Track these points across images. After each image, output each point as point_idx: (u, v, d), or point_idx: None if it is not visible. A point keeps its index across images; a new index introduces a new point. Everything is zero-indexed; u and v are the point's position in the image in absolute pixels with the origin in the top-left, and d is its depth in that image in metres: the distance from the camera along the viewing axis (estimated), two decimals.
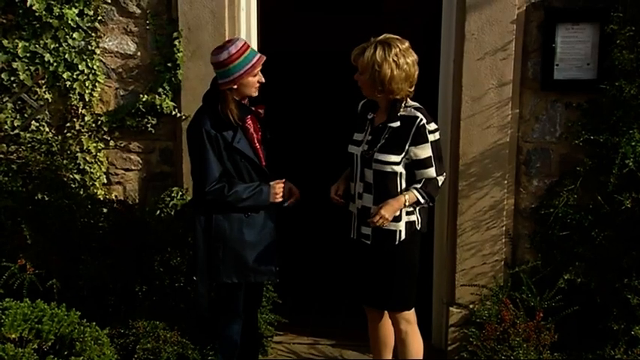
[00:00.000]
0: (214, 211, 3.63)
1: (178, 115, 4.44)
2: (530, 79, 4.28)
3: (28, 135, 4.53)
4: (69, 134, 4.53)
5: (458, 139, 4.32)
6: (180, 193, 4.46)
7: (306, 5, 7.37)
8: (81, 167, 4.54)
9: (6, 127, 4.51)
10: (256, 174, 3.66)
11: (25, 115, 4.53)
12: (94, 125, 4.54)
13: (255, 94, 3.64)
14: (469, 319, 4.38)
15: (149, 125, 4.52)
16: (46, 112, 4.53)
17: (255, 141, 3.66)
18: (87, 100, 4.49)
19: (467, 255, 4.43)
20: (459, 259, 4.45)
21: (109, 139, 4.58)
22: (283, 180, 3.73)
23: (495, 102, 4.24)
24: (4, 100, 4.48)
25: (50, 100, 4.51)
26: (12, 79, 4.44)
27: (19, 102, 4.51)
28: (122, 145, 4.60)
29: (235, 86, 3.56)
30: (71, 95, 4.48)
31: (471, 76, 4.24)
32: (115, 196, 4.60)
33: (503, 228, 4.39)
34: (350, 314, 5.19)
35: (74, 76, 4.45)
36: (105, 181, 4.62)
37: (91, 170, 4.56)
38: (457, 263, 4.45)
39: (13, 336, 3.62)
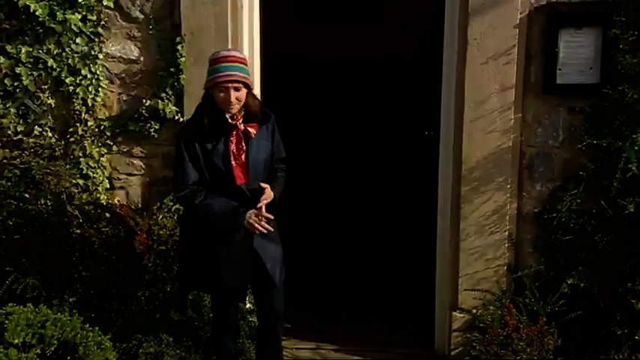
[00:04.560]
0: (193, 220, 3.63)
1: (181, 119, 4.44)
2: (532, 84, 4.28)
3: (31, 140, 4.53)
4: (72, 139, 4.53)
5: (461, 143, 4.33)
6: None
7: (307, 13, 7.35)
8: (84, 172, 4.54)
9: (9, 132, 4.51)
10: (232, 191, 3.49)
11: (29, 121, 4.52)
12: (97, 130, 4.54)
13: (228, 110, 3.44)
14: (472, 323, 4.38)
15: (152, 130, 4.52)
16: (49, 117, 4.53)
17: (232, 158, 3.48)
18: (90, 105, 4.49)
19: (470, 260, 4.42)
20: (461, 264, 4.44)
21: (111, 144, 4.58)
22: (260, 209, 3.47)
23: (498, 106, 4.24)
24: (7, 106, 4.48)
25: (53, 106, 4.51)
26: (15, 84, 4.44)
27: (23, 107, 4.50)
28: (125, 150, 4.60)
29: (211, 92, 3.48)
30: (74, 100, 4.48)
31: (474, 81, 4.24)
32: (118, 201, 4.60)
33: (506, 232, 4.38)
34: (351, 319, 5.22)
35: (77, 81, 4.45)
36: (108, 185, 4.62)
37: (94, 175, 4.56)
38: (460, 268, 4.44)
39: (16, 341, 3.61)
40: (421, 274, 5.09)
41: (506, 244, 4.39)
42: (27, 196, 4.45)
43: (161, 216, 4.44)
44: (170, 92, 4.45)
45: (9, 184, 4.46)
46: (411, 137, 6.76)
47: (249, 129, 3.51)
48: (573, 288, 4.18)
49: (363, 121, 7.41)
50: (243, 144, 3.51)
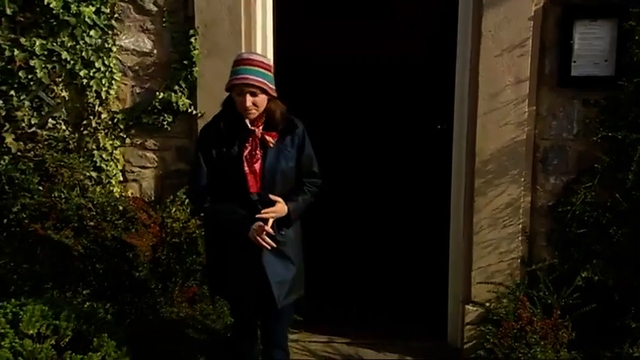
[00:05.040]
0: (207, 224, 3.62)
1: (194, 112, 4.45)
2: (547, 76, 4.26)
3: (45, 132, 4.54)
4: (85, 132, 4.54)
5: (474, 136, 4.31)
6: None
7: (316, 11, 7.35)
8: (97, 165, 4.54)
9: (23, 124, 4.52)
10: (243, 199, 3.34)
11: (42, 113, 4.53)
12: (110, 123, 4.55)
13: (246, 115, 3.30)
14: (485, 317, 4.37)
15: (165, 123, 4.52)
16: (63, 109, 4.53)
17: (245, 165, 3.33)
18: (103, 97, 4.50)
19: (483, 253, 4.41)
20: (475, 257, 4.43)
21: (125, 136, 4.59)
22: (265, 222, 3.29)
23: (512, 99, 4.22)
24: (22, 98, 4.48)
25: (67, 98, 4.52)
26: (29, 76, 4.44)
27: (37, 100, 4.51)
28: (138, 142, 4.61)
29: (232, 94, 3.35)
30: (88, 93, 4.48)
31: (488, 73, 4.22)
32: (131, 194, 4.61)
33: (520, 226, 4.37)
34: (363, 316, 5.22)
35: (91, 74, 4.45)
36: (121, 178, 4.62)
37: (108, 168, 4.56)
38: (473, 261, 4.43)
39: (31, 332, 3.64)
40: (434, 269, 5.07)
41: (520, 237, 4.38)
42: (41, 188, 4.45)
43: (174, 209, 4.45)
44: (183, 85, 4.45)
45: (23, 176, 4.46)
46: (424, 132, 6.76)
47: (267, 137, 3.35)
48: (588, 281, 4.16)
49: (374, 117, 7.39)
50: (259, 151, 3.35)
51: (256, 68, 3.28)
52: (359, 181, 7.14)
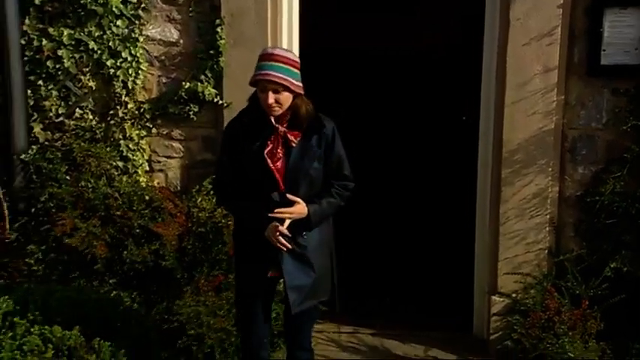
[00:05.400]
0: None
1: (220, 102, 4.45)
2: (576, 65, 4.23)
3: (72, 122, 4.57)
4: (112, 122, 4.56)
5: (501, 125, 4.29)
6: None
7: (346, 5, 7.37)
8: (124, 154, 4.57)
9: (51, 114, 4.56)
10: (263, 197, 3.22)
11: (70, 103, 4.56)
12: (136, 113, 4.57)
13: (269, 112, 3.18)
14: (512, 307, 4.34)
15: (191, 113, 4.53)
16: (90, 99, 4.56)
17: (268, 163, 3.20)
18: (130, 87, 4.51)
19: (510, 243, 4.38)
20: (501, 248, 4.40)
21: (151, 126, 4.60)
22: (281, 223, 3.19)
23: (541, 88, 4.19)
24: (50, 88, 4.51)
25: (94, 88, 4.54)
26: (57, 66, 4.47)
27: (64, 89, 4.54)
28: (164, 132, 4.62)
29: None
30: (114, 83, 4.51)
31: (516, 62, 4.19)
32: (157, 183, 4.62)
33: (548, 216, 4.34)
34: (389, 306, 5.20)
35: (118, 64, 4.47)
36: (147, 168, 4.64)
37: (134, 157, 4.58)
38: (500, 252, 4.41)
39: (59, 319, 3.66)
40: (460, 260, 5.04)
41: (548, 228, 4.35)
42: (68, 178, 4.48)
43: (200, 198, 4.45)
44: (209, 75, 4.45)
45: (50, 166, 4.49)
46: (449, 123, 6.72)
47: (289, 135, 3.22)
48: (616, 272, 4.13)
49: (401, 109, 7.37)
50: (281, 150, 3.23)
51: (280, 64, 3.15)
52: (386, 172, 7.12)
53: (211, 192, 4.45)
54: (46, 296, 3.74)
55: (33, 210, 4.54)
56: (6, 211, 4.50)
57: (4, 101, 4.48)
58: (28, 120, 4.54)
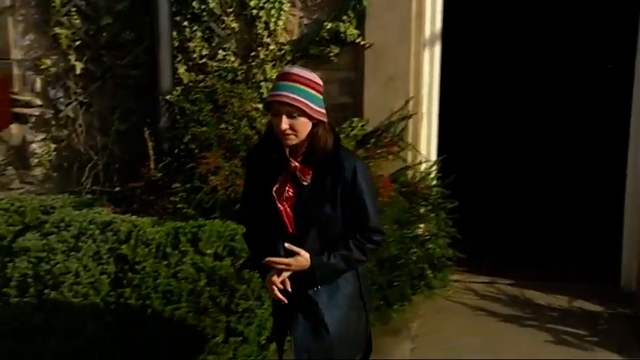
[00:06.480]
0: None
1: (362, 42, 4.39)
2: None
3: (214, 64, 4.62)
4: (253, 63, 4.58)
5: None
6: (361, 123, 4.44)
7: None
8: (264, 96, 4.57)
9: (194, 55, 4.62)
10: (275, 236, 2.75)
11: (213, 44, 4.61)
12: (278, 54, 4.57)
13: (283, 141, 2.66)
14: None
15: (331, 54, 4.50)
16: (233, 40, 4.60)
17: (276, 200, 2.70)
18: (272, 28, 4.52)
19: None
20: None
21: None
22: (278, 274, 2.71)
23: None
24: (194, 29, 4.57)
25: (237, 29, 4.57)
26: (202, 7, 4.53)
27: (208, 31, 4.59)
28: None
29: None
30: (257, 24, 4.52)
31: None
32: None
33: None
34: (526, 256, 5.07)
35: (261, 5, 4.48)
36: None
37: None
38: None
39: (209, 251, 3.74)
40: (609, 215, 4.83)
41: None
42: (210, 118, 4.54)
43: None
44: (352, 14, 4.40)
45: (194, 107, 4.56)
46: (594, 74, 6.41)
47: (301, 173, 2.69)
48: None
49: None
50: (289, 187, 2.71)
51: (296, 84, 2.61)
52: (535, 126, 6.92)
53: (351, 134, 4.42)
54: (196, 229, 3.81)
55: (176, 151, 4.60)
56: (151, 151, 4.60)
57: (152, 42, 4.57)
58: (173, 61, 4.61)
